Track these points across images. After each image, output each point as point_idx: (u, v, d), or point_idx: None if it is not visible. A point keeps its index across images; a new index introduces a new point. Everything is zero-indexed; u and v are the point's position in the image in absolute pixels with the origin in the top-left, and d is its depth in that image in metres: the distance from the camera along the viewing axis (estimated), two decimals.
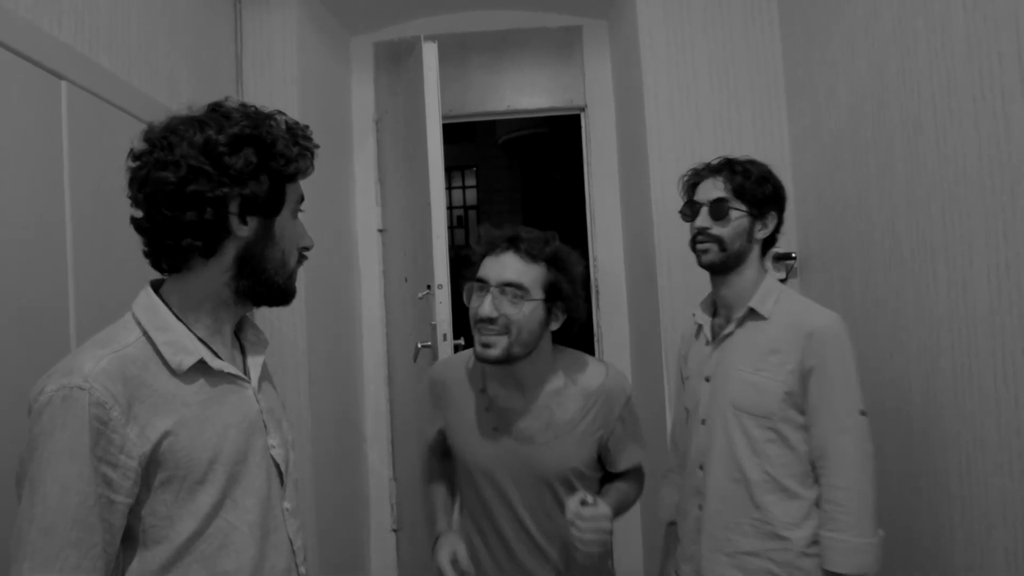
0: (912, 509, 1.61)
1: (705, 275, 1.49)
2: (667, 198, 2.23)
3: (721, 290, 1.47)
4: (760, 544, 1.35)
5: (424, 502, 1.56)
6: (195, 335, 0.94)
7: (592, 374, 1.39)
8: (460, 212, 8.74)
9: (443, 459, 1.55)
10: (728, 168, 1.45)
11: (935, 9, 1.44)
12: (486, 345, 1.29)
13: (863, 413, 1.32)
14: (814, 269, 2.15)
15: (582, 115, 2.95)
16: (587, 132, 2.93)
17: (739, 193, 1.41)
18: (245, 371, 1.02)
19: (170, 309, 0.93)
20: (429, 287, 2.25)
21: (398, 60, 2.89)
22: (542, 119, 5.59)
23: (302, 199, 1.03)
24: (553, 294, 1.31)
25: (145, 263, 0.95)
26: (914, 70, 1.54)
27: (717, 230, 1.41)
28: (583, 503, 1.24)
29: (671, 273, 2.26)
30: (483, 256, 1.34)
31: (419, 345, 2.36)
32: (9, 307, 1.23)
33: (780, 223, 1.47)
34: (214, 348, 0.96)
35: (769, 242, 1.47)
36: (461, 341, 2.21)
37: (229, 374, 0.96)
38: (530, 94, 2.96)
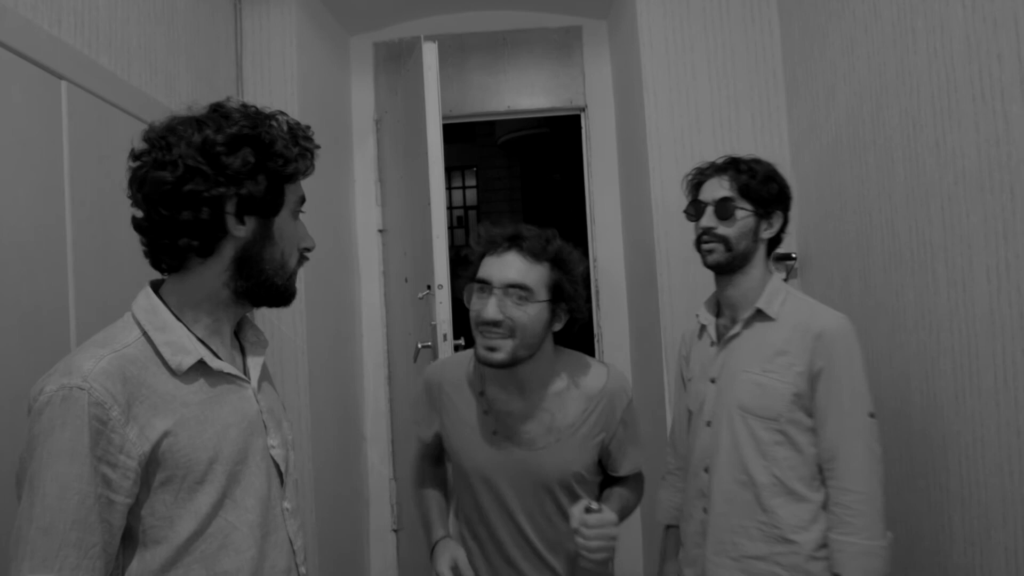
0: (912, 509, 1.61)
1: (706, 275, 1.48)
2: (667, 198, 2.24)
3: (726, 290, 1.45)
4: (767, 548, 1.33)
5: (417, 506, 1.52)
6: (195, 335, 0.93)
7: (594, 376, 1.35)
8: (460, 212, 8.75)
9: (438, 463, 1.51)
10: (733, 167, 1.43)
11: (935, 9, 1.44)
12: (491, 349, 1.23)
13: (872, 415, 1.31)
14: (814, 269, 2.15)
15: (582, 115, 2.95)
16: (587, 132, 2.93)
17: (745, 192, 1.40)
18: (245, 371, 1.02)
19: (169, 309, 0.93)
20: (429, 287, 2.25)
21: (398, 60, 2.89)
22: (542, 119, 5.59)
23: (303, 200, 1.02)
24: (557, 294, 1.26)
25: (145, 263, 0.96)
26: (913, 70, 1.53)
27: (723, 230, 1.40)
28: (588, 510, 1.20)
29: (671, 273, 2.25)
30: (483, 255, 1.29)
31: (419, 345, 2.36)
32: (9, 307, 1.23)
33: (786, 222, 1.46)
34: (213, 348, 0.96)
35: (775, 242, 1.46)
36: (461, 341, 2.21)
37: (229, 374, 0.96)
38: (530, 94, 2.95)
